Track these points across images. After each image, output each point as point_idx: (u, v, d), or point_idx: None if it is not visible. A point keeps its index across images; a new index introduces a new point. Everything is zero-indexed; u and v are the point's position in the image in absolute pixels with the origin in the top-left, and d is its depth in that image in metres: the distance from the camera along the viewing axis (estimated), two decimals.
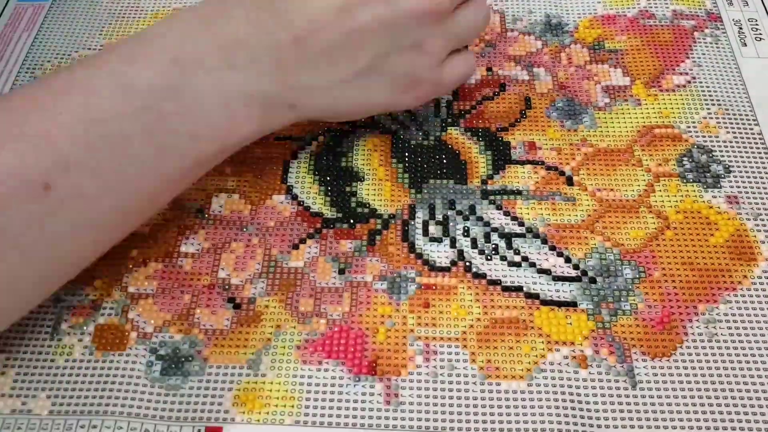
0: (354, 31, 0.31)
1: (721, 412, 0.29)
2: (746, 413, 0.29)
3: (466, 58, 0.36)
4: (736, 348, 0.31)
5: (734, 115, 0.39)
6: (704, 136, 0.38)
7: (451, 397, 0.30)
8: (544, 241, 0.34)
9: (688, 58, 0.41)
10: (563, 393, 0.30)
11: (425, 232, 0.35)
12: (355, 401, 0.30)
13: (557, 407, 0.29)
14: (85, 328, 0.32)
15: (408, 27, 0.32)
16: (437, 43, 0.33)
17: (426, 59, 0.33)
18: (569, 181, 0.36)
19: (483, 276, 0.33)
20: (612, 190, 0.36)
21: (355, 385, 0.30)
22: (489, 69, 0.41)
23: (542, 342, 0.31)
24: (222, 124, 0.31)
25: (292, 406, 0.30)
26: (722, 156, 0.37)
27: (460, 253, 0.34)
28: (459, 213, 0.35)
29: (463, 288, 0.33)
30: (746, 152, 0.37)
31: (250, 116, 0.31)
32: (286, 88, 0.31)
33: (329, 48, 0.31)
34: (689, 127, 0.38)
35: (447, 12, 0.33)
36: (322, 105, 0.33)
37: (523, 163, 0.37)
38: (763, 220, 0.35)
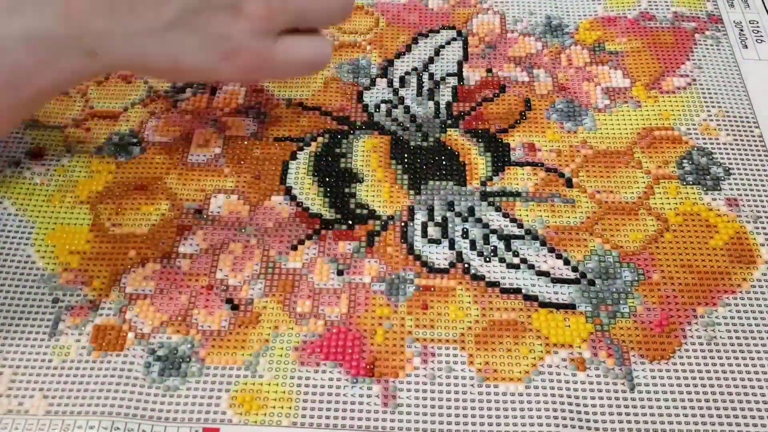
0: None
1: (719, 416, 0.29)
2: (744, 416, 0.29)
3: (315, 43, 0.33)
4: (735, 351, 0.31)
5: (735, 117, 0.39)
6: (704, 139, 0.38)
7: (448, 399, 0.30)
8: (543, 243, 0.34)
9: (688, 60, 0.41)
10: (561, 396, 0.30)
11: (424, 234, 0.35)
12: (353, 403, 0.30)
13: (555, 410, 0.29)
14: (83, 328, 0.32)
15: None
16: (259, 8, 0.30)
17: (246, 25, 0.30)
18: (569, 183, 0.36)
19: (482, 278, 0.33)
20: (611, 192, 0.36)
21: (352, 387, 0.30)
22: (489, 70, 0.41)
23: (540, 344, 0.31)
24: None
25: (290, 408, 0.30)
26: (722, 158, 0.37)
27: (459, 254, 0.34)
28: (458, 215, 0.35)
29: (462, 290, 0.33)
30: (746, 155, 0.37)
31: (37, 62, 0.29)
32: (78, 33, 0.29)
33: None
34: (689, 129, 0.38)
35: None
36: (128, 56, 0.30)
37: (522, 164, 0.37)
38: (763, 222, 0.35)
